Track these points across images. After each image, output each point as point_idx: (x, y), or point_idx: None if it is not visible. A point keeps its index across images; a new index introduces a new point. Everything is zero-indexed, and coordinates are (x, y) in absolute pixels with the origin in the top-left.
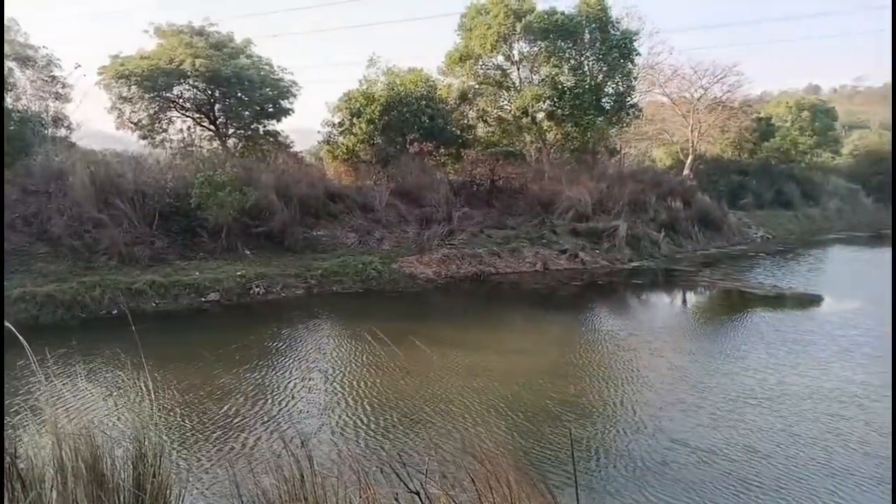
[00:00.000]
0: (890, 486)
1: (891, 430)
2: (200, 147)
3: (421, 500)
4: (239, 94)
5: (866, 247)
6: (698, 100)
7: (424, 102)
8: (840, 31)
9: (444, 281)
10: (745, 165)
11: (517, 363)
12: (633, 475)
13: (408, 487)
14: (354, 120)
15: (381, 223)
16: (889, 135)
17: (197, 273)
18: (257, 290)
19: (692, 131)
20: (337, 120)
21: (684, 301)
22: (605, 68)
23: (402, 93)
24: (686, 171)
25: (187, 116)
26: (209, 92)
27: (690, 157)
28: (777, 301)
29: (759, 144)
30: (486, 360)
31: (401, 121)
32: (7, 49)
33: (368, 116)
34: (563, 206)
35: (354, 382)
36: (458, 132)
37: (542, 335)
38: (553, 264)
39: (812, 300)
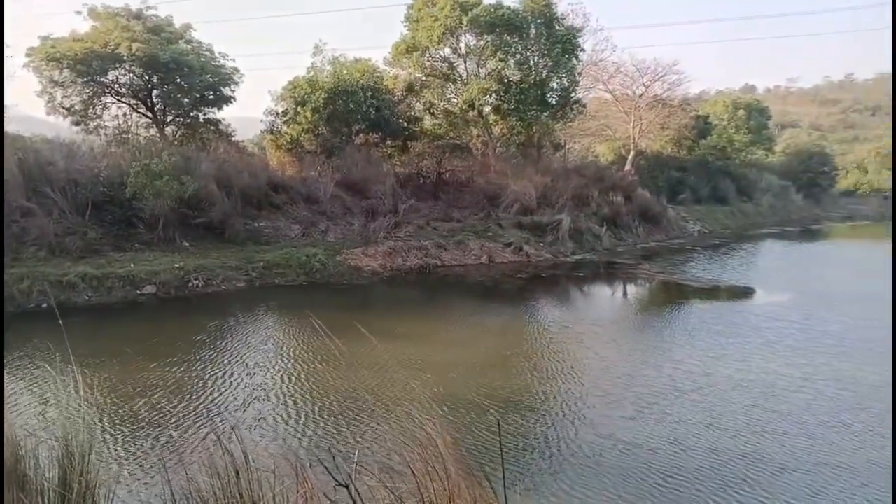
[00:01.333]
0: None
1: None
2: (137, 134)
3: (350, 493)
4: (178, 81)
5: (797, 241)
6: (640, 97)
7: (370, 93)
8: (775, 33)
9: (390, 273)
10: (684, 162)
11: (458, 355)
12: (558, 467)
13: (336, 480)
14: (299, 108)
15: (326, 215)
16: (818, 134)
17: (132, 265)
18: (196, 282)
19: (634, 128)
20: (281, 109)
21: (624, 293)
22: (549, 64)
23: (348, 82)
24: (628, 167)
25: (123, 102)
26: (146, 77)
27: (632, 153)
28: (711, 293)
29: (697, 142)
30: (427, 352)
31: (346, 111)
32: None
33: (313, 105)
34: (509, 199)
35: (293, 376)
36: (405, 124)
37: (485, 328)
38: (498, 257)
39: (744, 292)
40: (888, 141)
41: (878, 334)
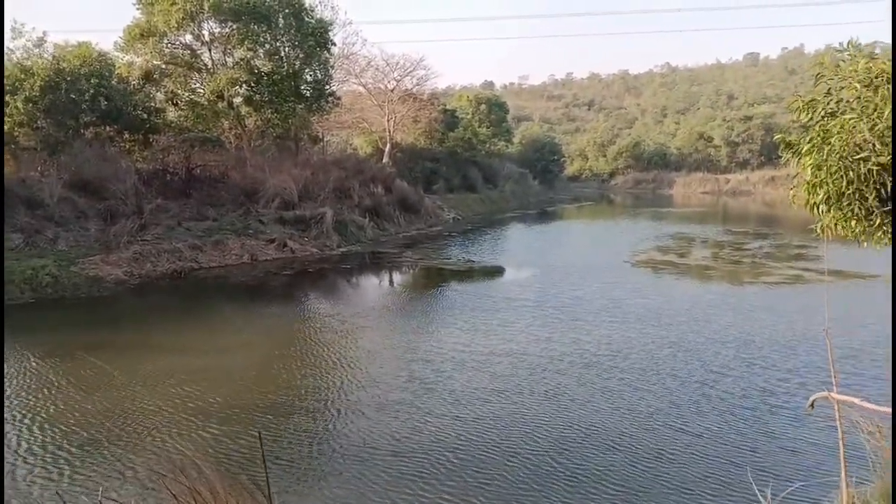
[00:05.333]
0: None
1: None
2: None
3: None
4: None
5: (536, 223)
6: (392, 91)
7: (97, 81)
8: (509, 34)
9: (139, 281)
10: (436, 153)
11: (220, 363)
12: (299, 469)
13: None
14: (9, 99)
15: (54, 220)
16: (548, 126)
17: None
18: None
19: (388, 121)
20: None
21: (390, 282)
22: (301, 55)
23: (67, 70)
24: (385, 159)
25: None
26: None
27: (388, 146)
28: (466, 275)
29: (447, 134)
30: (189, 365)
31: (69, 101)
32: None
33: (27, 94)
34: (269, 194)
35: (23, 413)
36: (145, 115)
37: (250, 331)
38: (262, 255)
39: (494, 271)
40: (602, 131)
41: (598, 304)
